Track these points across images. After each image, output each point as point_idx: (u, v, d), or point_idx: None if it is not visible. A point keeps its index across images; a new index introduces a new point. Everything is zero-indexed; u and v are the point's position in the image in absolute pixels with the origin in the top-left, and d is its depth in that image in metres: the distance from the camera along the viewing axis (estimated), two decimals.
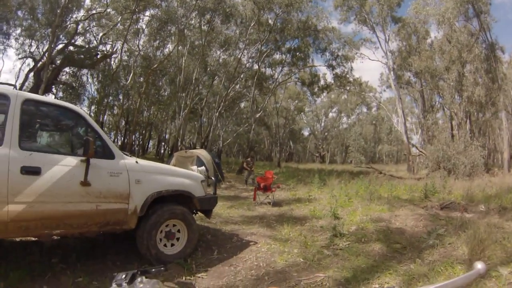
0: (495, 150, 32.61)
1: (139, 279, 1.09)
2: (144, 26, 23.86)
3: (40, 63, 20.77)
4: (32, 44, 23.19)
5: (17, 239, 4.33)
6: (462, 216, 6.38)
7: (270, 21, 23.07)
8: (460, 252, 4.50)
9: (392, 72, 25.04)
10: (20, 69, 24.89)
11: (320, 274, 3.90)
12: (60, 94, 25.11)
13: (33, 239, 4.16)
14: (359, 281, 3.68)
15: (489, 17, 20.16)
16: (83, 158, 3.37)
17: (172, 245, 4.19)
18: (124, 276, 1.10)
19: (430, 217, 6.69)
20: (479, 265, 0.92)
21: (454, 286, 0.84)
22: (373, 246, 5.00)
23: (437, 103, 28.17)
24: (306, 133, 59.34)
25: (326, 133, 55.11)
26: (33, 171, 3.10)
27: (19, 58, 23.85)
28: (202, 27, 21.66)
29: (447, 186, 10.78)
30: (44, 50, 21.77)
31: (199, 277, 3.82)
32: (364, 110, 55.09)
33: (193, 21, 21.81)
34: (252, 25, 21.84)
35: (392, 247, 4.92)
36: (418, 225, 6.18)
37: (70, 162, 3.36)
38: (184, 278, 3.72)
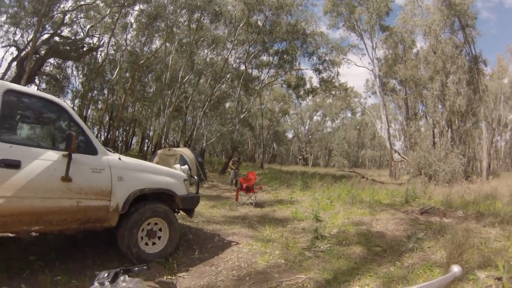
0: (474, 158, 33.57)
1: (121, 278, 1.09)
2: (132, 21, 23.53)
3: (24, 52, 20.10)
4: (17, 32, 22.33)
5: None
6: (441, 221, 6.54)
7: (259, 23, 23.04)
8: (438, 256, 4.61)
9: (377, 79, 25.40)
10: (2, 57, 24.15)
11: (301, 275, 3.92)
12: (43, 85, 24.43)
13: (10, 235, 3.99)
14: (340, 283, 3.72)
15: (474, 31, 20.71)
16: (65, 153, 3.28)
17: (154, 243, 4.14)
18: (106, 274, 1.09)
19: (410, 221, 6.82)
20: (456, 268, 0.94)
21: None
22: (354, 248, 5.06)
23: (420, 111, 28.68)
24: (290, 135, 59.62)
25: (310, 136, 55.51)
26: (12, 165, 2.99)
27: (2, 46, 22.99)
28: (191, 25, 21.50)
29: (428, 191, 11.04)
30: (28, 39, 21.07)
31: (180, 276, 3.79)
32: (349, 115, 55.86)
33: (182, 19, 21.63)
34: (241, 25, 21.79)
35: (373, 250, 5.00)
36: (399, 229, 6.29)
37: (51, 156, 3.27)
38: (165, 277, 3.68)
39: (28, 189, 3.06)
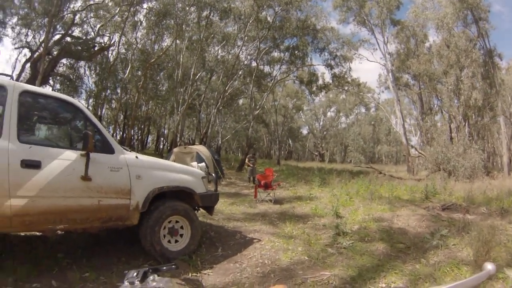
0: (494, 153, 32.68)
1: (151, 277, 1.08)
2: (142, 19, 23.64)
3: (37, 53, 20.39)
4: (29, 33, 22.66)
5: (22, 234, 4.27)
6: (464, 218, 6.33)
7: (269, 19, 22.92)
8: (465, 254, 4.47)
9: (390, 74, 25.06)
10: (16, 59, 24.48)
11: (325, 272, 3.87)
12: (58, 86, 24.81)
13: (37, 234, 4.09)
14: (365, 280, 3.66)
15: (487, 24, 20.22)
16: (83, 152, 3.30)
17: (176, 241, 4.14)
18: (135, 274, 1.08)
19: (432, 218, 6.65)
20: (489, 266, 0.91)
21: (466, 286, 0.83)
22: (377, 245, 4.97)
23: (435, 105, 28.19)
24: (304, 131, 59.22)
25: (325, 132, 55.22)
26: (33, 165, 3.02)
27: (16, 48, 23.43)
28: (200, 22, 21.50)
29: (448, 187, 10.73)
30: (40, 40, 21.34)
31: (205, 273, 3.79)
32: (363, 110, 55.31)
33: (191, 16, 21.59)
34: (250, 21, 21.71)
35: (396, 246, 4.89)
36: (421, 225, 6.14)
37: (69, 156, 3.29)
38: (190, 274, 3.69)
39: (49, 188, 3.09)
